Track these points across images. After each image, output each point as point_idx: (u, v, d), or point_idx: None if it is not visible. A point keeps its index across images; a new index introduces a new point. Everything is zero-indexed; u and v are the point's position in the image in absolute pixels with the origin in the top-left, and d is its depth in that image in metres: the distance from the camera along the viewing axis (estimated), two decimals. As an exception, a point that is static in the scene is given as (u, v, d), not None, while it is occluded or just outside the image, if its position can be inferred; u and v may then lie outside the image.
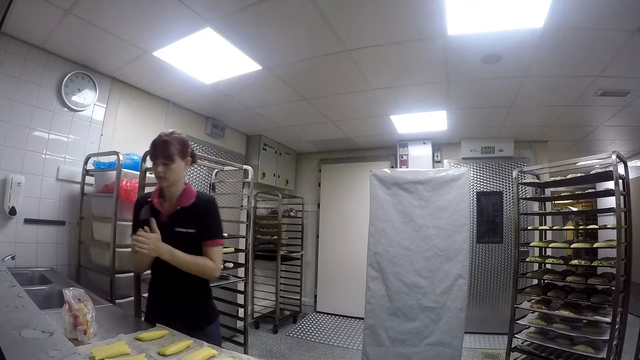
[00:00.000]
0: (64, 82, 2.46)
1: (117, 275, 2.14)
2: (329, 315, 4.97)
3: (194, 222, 1.43)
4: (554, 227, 3.10)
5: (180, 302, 1.44)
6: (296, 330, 4.32)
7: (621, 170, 2.43)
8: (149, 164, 2.21)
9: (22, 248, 2.22)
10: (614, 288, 2.31)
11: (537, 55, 2.32)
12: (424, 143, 4.47)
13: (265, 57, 2.51)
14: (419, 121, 3.84)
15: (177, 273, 1.39)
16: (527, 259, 2.93)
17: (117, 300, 2.06)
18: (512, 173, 3.46)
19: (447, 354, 2.71)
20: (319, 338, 4.08)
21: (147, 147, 2.30)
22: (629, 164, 2.56)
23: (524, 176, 3.47)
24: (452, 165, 4.51)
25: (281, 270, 4.51)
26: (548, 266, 2.95)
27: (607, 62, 2.37)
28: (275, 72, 2.73)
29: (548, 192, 3.79)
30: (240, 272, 2.80)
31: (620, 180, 2.35)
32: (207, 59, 2.54)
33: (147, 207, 1.49)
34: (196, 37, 2.24)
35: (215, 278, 1.44)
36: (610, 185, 2.37)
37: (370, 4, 1.89)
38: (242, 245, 3.04)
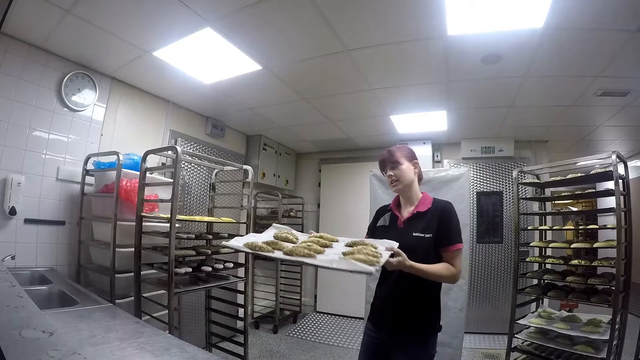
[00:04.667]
0: (64, 82, 2.46)
1: (117, 275, 2.14)
2: (329, 315, 4.97)
3: (431, 228, 1.42)
4: (554, 227, 3.10)
5: (405, 311, 1.43)
6: (296, 330, 4.32)
7: (621, 170, 2.42)
8: (149, 163, 2.22)
9: (22, 248, 2.22)
10: (614, 288, 2.31)
11: (537, 55, 2.32)
12: (424, 143, 4.47)
13: (265, 57, 2.51)
14: (418, 121, 3.84)
15: (410, 283, 1.37)
16: (527, 259, 2.93)
17: (117, 300, 2.07)
18: (512, 173, 3.46)
19: (447, 354, 2.71)
20: (319, 338, 4.08)
21: (147, 147, 2.34)
22: (629, 164, 2.56)
23: (524, 176, 3.47)
24: (452, 165, 4.51)
25: (281, 270, 4.51)
26: (548, 266, 2.95)
27: (607, 62, 2.37)
28: (275, 72, 2.73)
29: (548, 192, 3.78)
30: (240, 272, 2.79)
31: (620, 180, 2.34)
32: (207, 59, 2.54)
33: (387, 215, 1.57)
34: (196, 37, 2.24)
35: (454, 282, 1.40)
36: (610, 185, 2.37)
37: (370, 4, 1.89)
38: (242, 245, 3.03)
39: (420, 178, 1.59)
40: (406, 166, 1.52)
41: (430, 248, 1.39)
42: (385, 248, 1.24)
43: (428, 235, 1.41)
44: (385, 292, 1.51)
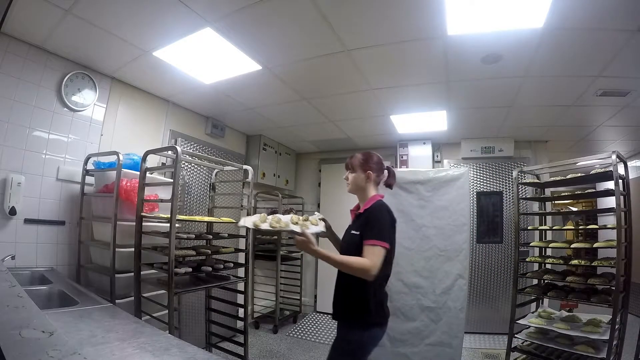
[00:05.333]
0: (64, 82, 2.46)
1: (117, 275, 2.14)
2: (329, 315, 4.96)
3: (361, 226, 1.56)
4: (554, 227, 3.10)
5: (338, 295, 1.63)
6: (296, 330, 4.32)
7: (621, 170, 2.42)
8: (149, 163, 2.22)
9: (22, 248, 2.22)
10: (614, 288, 2.31)
11: (537, 55, 2.32)
12: (424, 143, 4.47)
13: (265, 57, 2.51)
14: (419, 121, 3.84)
15: (340, 275, 1.60)
16: (527, 259, 2.93)
17: (117, 300, 2.07)
18: (512, 173, 3.46)
19: (447, 354, 2.71)
20: (319, 338, 4.08)
21: (147, 147, 2.34)
22: (629, 164, 2.56)
23: (524, 176, 3.47)
24: (452, 165, 4.51)
25: (281, 270, 4.51)
26: (548, 266, 2.95)
27: (607, 62, 2.37)
28: (275, 72, 2.73)
29: (548, 192, 3.78)
30: (240, 272, 2.79)
31: (620, 180, 2.34)
32: (207, 59, 2.54)
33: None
34: (196, 37, 2.24)
35: (372, 278, 1.44)
36: (610, 185, 2.37)
37: (370, 3, 1.89)
38: (242, 245, 3.03)
39: (377, 184, 1.73)
40: (357, 174, 1.71)
41: (360, 244, 1.51)
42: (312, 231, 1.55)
43: (357, 233, 1.56)
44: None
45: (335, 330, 1.64)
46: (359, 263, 1.43)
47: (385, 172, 1.77)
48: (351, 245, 1.54)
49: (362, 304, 1.53)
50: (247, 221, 1.62)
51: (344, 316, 1.59)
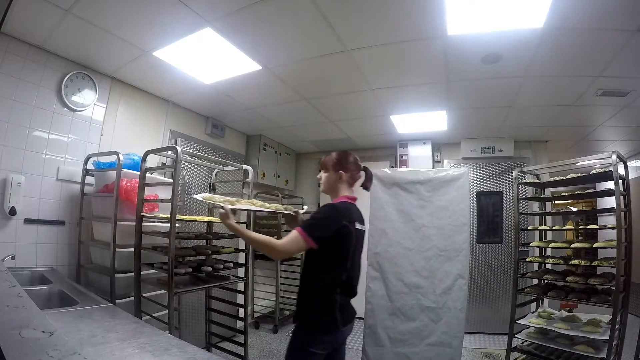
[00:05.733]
0: (64, 82, 2.46)
1: (117, 275, 2.14)
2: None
3: None
4: (554, 227, 3.10)
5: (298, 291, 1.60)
6: (296, 330, 4.32)
7: (621, 170, 2.42)
8: (149, 163, 2.22)
9: (22, 248, 2.22)
10: (614, 288, 2.31)
11: (537, 55, 2.32)
12: (424, 143, 4.47)
13: (265, 57, 2.51)
14: (419, 121, 3.84)
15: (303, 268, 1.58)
16: (527, 259, 2.92)
17: (117, 300, 2.07)
18: (512, 173, 3.46)
19: (447, 354, 2.71)
20: (319, 338, 4.07)
21: (147, 147, 2.34)
22: (629, 164, 2.56)
23: (524, 176, 3.47)
24: (452, 165, 4.51)
25: (281, 270, 4.51)
26: (548, 266, 2.95)
27: (607, 62, 2.37)
28: (275, 72, 2.73)
29: (548, 192, 3.78)
30: (240, 272, 2.79)
31: (620, 180, 2.34)
32: (207, 59, 2.54)
33: None
34: (196, 37, 2.24)
35: (278, 259, 1.50)
36: (610, 185, 2.37)
37: (370, 3, 1.89)
38: (242, 245, 3.03)
39: (351, 185, 1.69)
40: (329, 174, 1.68)
41: (310, 249, 1.49)
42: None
43: None
44: None
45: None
46: (267, 241, 1.43)
47: (362, 173, 1.74)
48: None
49: (309, 307, 1.51)
50: (199, 196, 1.77)
51: (295, 317, 1.56)
